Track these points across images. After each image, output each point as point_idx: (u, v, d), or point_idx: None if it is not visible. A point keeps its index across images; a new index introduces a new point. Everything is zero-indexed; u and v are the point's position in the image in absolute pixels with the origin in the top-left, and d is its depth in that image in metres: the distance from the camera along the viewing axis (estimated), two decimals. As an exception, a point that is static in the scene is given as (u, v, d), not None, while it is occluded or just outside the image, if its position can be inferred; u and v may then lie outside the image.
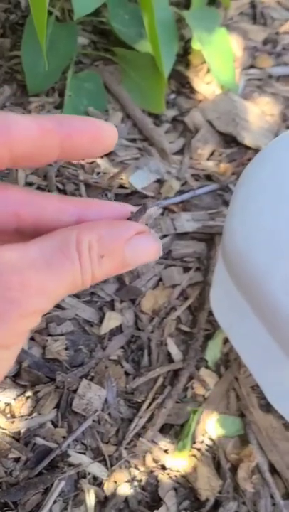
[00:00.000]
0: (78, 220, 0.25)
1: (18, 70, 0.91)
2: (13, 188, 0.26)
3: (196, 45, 0.91)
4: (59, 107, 0.88)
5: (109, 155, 0.84)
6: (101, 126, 0.25)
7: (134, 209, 0.27)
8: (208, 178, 0.84)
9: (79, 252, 0.23)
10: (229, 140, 0.88)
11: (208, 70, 0.94)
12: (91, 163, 0.83)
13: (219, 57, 0.91)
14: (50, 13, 0.88)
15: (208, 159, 0.86)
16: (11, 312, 0.22)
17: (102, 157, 0.83)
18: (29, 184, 0.79)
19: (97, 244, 0.23)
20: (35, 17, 0.69)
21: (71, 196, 0.27)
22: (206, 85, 0.94)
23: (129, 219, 0.26)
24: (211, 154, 0.87)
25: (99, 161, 0.83)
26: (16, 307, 0.22)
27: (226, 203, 0.82)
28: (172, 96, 0.93)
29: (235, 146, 0.88)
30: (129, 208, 0.27)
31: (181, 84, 0.94)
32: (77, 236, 0.23)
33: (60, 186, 0.80)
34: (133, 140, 0.87)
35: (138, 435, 0.63)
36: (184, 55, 0.96)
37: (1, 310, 0.22)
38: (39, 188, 0.79)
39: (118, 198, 0.80)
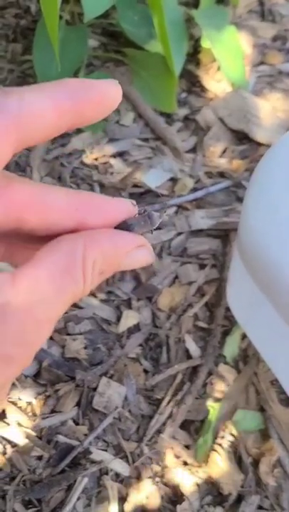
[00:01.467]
0: (78, 222, 0.25)
1: (30, 74, 0.92)
2: (18, 186, 0.24)
3: (205, 43, 0.92)
4: (71, 109, 0.88)
5: (122, 155, 0.84)
6: (106, 87, 0.24)
7: (134, 208, 0.26)
8: (221, 175, 0.85)
9: (84, 272, 0.23)
10: (241, 137, 0.89)
11: (219, 68, 0.95)
12: (105, 163, 0.83)
13: (229, 55, 0.91)
14: (60, 17, 0.89)
15: (220, 156, 0.87)
16: (25, 354, 0.22)
17: (115, 157, 0.84)
18: (44, 186, 0.80)
19: (101, 263, 0.24)
20: (48, 21, 0.69)
21: (75, 190, 0.26)
22: (216, 83, 0.94)
23: (130, 225, 0.26)
24: (224, 151, 0.87)
25: (112, 161, 0.83)
26: (31, 348, 0.23)
27: (240, 200, 0.82)
28: (183, 95, 0.93)
29: (247, 142, 0.88)
30: (129, 206, 0.26)
31: (192, 83, 0.95)
32: (83, 253, 0.23)
33: (75, 187, 0.80)
34: (146, 139, 0.87)
35: (159, 432, 0.63)
36: (194, 54, 0.96)
37: (17, 352, 0.22)
38: (54, 189, 0.80)
39: (132, 197, 0.80)
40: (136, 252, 0.25)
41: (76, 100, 0.23)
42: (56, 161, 0.83)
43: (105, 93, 0.24)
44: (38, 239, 0.25)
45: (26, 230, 0.25)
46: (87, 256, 0.23)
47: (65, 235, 0.24)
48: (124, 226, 0.26)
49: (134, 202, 0.27)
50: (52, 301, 0.22)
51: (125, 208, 0.26)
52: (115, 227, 0.26)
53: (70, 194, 0.25)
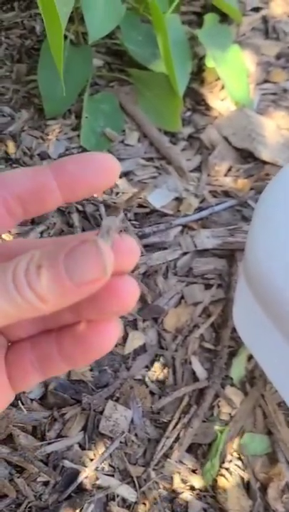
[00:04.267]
0: None
1: (35, 94, 0.92)
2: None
3: (209, 62, 0.92)
4: (76, 129, 0.89)
5: (127, 175, 0.85)
6: (101, 163, 0.24)
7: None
8: (226, 194, 0.85)
9: (15, 261, 0.21)
10: (246, 155, 0.89)
11: (223, 87, 0.95)
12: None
13: (233, 74, 0.91)
14: (65, 37, 0.89)
15: (225, 175, 0.87)
16: None
17: (120, 177, 0.84)
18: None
19: (37, 256, 0.21)
20: (52, 42, 0.70)
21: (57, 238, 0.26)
22: (220, 102, 0.94)
23: None
24: (229, 170, 0.87)
25: (117, 181, 0.83)
26: None
27: (245, 219, 0.82)
28: (188, 113, 0.93)
29: (252, 161, 0.88)
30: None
31: (196, 102, 0.95)
32: (21, 252, 0.22)
33: (80, 207, 0.80)
34: (150, 159, 0.87)
35: (166, 456, 0.63)
36: (198, 73, 0.96)
37: None
38: (59, 210, 0.80)
39: (137, 217, 0.80)
40: (79, 249, 0.21)
41: (57, 173, 0.24)
42: (61, 181, 0.83)
43: (99, 166, 0.24)
44: None
45: None
46: (23, 253, 0.22)
47: None
48: None
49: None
50: None
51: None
52: None
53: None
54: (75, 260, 0.21)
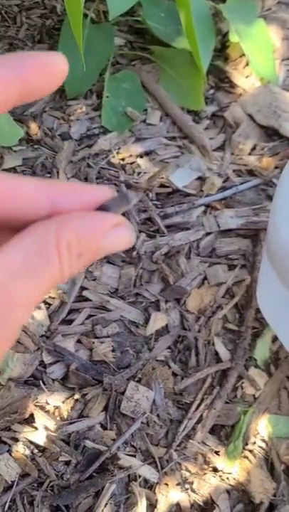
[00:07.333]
0: (51, 209, 0.24)
1: (56, 74, 0.91)
2: None
3: (233, 38, 0.90)
4: (97, 108, 0.88)
5: (149, 154, 0.83)
6: (50, 58, 0.23)
7: (111, 193, 0.26)
8: (251, 173, 0.83)
9: (59, 252, 0.23)
10: (271, 133, 0.86)
11: (247, 63, 0.92)
12: (131, 163, 0.82)
13: (258, 49, 0.89)
14: (85, 15, 0.88)
15: (249, 154, 0.85)
16: (2, 335, 0.22)
17: (142, 157, 0.83)
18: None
19: (76, 243, 0.23)
20: (72, 19, 0.69)
21: (47, 180, 0.25)
22: (245, 78, 0.92)
23: (107, 206, 0.25)
24: (253, 149, 0.85)
25: (139, 160, 0.82)
26: (5, 328, 0.22)
27: (270, 198, 0.80)
28: (211, 91, 0.91)
29: (277, 139, 0.86)
30: (106, 193, 0.25)
31: (220, 79, 0.93)
32: (56, 234, 0.23)
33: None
34: (173, 138, 0.86)
35: (188, 437, 0.62)
36: (222, 49, 0.94)
37: None
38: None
39: (159, 197, 0.79)
40: (114, 232, 0.24)
41: (17, 69, 0.22)
42: (83, 162, 0.82)
43: (49, 61, 0.23)
44: (14, 230, 0.24)
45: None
46: (60, 236, 0.23)
47: (39, 221, 0.24)
48: (101, 208, 0.25)
49: (110, 188, 0.26)
50: (27, 283, 0.22)
51: (101, 192, 0.25)
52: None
53: (39, 183, 0.24)
54: (110, 244, 0.24)
